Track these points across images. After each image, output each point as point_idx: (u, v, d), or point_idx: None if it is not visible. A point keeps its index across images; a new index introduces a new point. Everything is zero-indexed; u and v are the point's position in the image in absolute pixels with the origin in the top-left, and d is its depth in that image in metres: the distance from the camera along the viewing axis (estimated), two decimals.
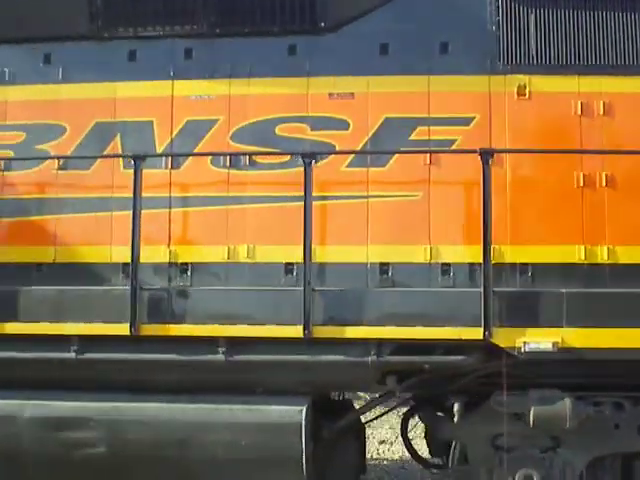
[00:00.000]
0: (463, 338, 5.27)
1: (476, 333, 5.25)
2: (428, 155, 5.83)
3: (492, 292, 5.26)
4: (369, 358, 5.35)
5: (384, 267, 5.74)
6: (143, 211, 5.93)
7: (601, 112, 5.79)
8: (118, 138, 6.17)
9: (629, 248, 5.59)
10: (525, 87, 5.89)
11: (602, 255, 5.60)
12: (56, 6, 6.27)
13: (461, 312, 5.33)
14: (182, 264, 5.95)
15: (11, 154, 6.23)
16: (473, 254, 5.64)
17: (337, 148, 5.94)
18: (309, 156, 5.59)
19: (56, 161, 6.15)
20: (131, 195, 5.93)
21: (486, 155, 5.40)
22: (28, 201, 6.18)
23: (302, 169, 5.81)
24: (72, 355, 5.56)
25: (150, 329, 5.52)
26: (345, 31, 6.06)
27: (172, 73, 6.18)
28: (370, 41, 6.04)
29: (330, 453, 5.63)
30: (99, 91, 6.24)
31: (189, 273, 5.93)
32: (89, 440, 5.49)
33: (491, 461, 5.55)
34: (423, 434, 6.95)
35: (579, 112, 5.81)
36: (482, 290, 5.27)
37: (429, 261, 5.73)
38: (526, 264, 5.61)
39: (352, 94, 6.03)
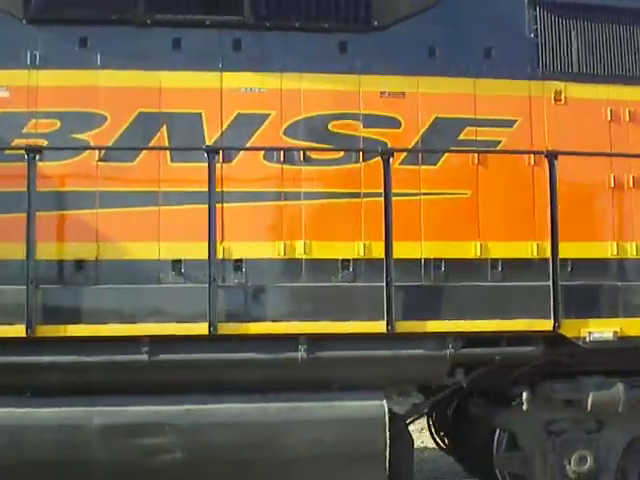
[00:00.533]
0: (535, 330, 5.62)
1: (546, 325, 5.63)
2: (476, 155, 6.12)
3: (560, 286, 5.64)
4: (447, 351, 5.57)
5: (437, 262, 5.97)
6: (195, 206, 5.82)
7: (627, 119, 6.35)
8: (164, 129, 5.93)
9: None
10: (561, 93, 6.31)
11: (631, 251, 6.16)
12: None
13: (531, 305, 5.68)
14: (236, 260, 5.87)
15: (44, 143, 5.82)
16: (522, 250, 6.02)
17: (389, 146, 6.07)
18: (387, 153, 5.67)
19: (96, 152, 5.83)
20: (182, 189, 5.82)
21: (551, 157, 5.75)
22: (65, 194, 5.82)
23: (355, 166, 5.97)
24: (144, 357, 5.34)
25: (228, 328, 5.41)
26: (395, 31, 6.17)
27: (221, 64, 6.03)
28: (419, 42, 6.21)
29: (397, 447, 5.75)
30: (142, 80, 5.95)
31: (244, 269, 5.85)
32: (165, 446, 5.30)
33: (544, 446, 5.96)
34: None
35: (609, 118, 6.32)
36: (551, 284, 5.64)
37: (479, 257, 6.03)
38: (566, 259, 6.05)
39: (403, 93, 6.17)
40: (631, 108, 6.33)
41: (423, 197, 6.04)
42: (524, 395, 5.77)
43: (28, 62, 5.87)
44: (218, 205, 5.85)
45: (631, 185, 6.24)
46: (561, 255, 5.98)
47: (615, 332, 5.66)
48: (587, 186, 6.20)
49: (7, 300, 5.31)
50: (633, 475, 6.11)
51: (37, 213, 5.66)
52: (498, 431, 6.10)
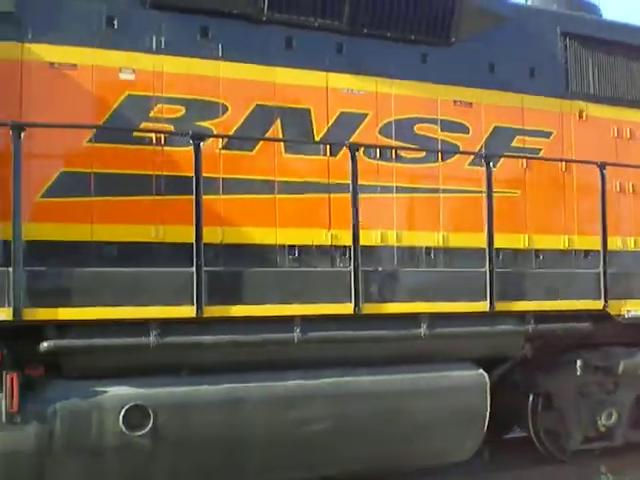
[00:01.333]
0: (591, 309, 6.79)
1: (598, 305, 6.82)
2: (525, 160, 7.16)
3: (606, 273, 6.86)
4: (529, 327, 6.57)
5: (498, 252, 6.92)
6: (302, 195, 6.29)
7: (628, 136, 7.73)
8: (278, 122, 6.30)
9: None
10: (583, 111, 7.54)
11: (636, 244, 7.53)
12: None
13: (586, 289, 6.83)
14: (343, 247, 6.40)
15: (171, 128, 5.95)
16: (559, 242, 7.18)
17: (461, 149, 6.93)
18: (489, 157, 6.50)
19: (220, 140, 6.07)
20: (295, 179, 6.26)
21: (602, 167, 6.94)
22: (189, 179, 5.98)
23: (434, 165, 6.77)
24: (296, 335, 5.75)
25: (369, 308, 5.97)
26: (466, 47, 7.00)
27: (327, 65, 6.50)
28: (482, 58, 7.11)
29: None
30: (259, 73, 6.27)
31: (346, 255, 6.41)
32: (314, 416, 5.77)
33: (577, 405, 7.16)
34: None
35: (615, 135, 7.66)
36: (601, 271, 6.84)
37: (526, 247, 7.08)
38: (588, 250, 7.30)
39: (471, 104, 7.04)
40: (632, 127, 7.73)
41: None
42: (578, 363, 6.93)
43: (154, 47, 5.97)
44: (327, 195, 6.38)
45: (631, 191, 7.63)
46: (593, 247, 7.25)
47: None
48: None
49: (178, 282, 5.46)
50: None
51: (165, 197, 5.87)
52: (532, 395, 7.19)
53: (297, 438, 5.72)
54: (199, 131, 5.80)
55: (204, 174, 5.85)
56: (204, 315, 5.43)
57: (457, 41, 6.97)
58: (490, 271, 6.40)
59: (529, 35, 7.37)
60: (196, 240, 5.54)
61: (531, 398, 7.20)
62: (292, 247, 6.23)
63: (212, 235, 5.90)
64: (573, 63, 7.55)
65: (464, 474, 6.89)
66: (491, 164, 6.60)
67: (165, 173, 5.90)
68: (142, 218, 5.82)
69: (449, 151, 6.84)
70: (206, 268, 5.53)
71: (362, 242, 6.34)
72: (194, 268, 5.46)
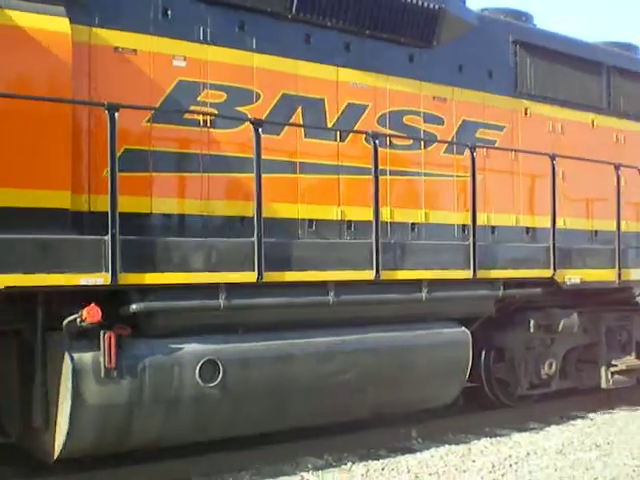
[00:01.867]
0: (543, 277, 8.12)
1: (547, 273, 8.17)
2: (485, 149, 8.34)
3: (555, 247, 8.22)
4: (499, 292, 7.80)
5: (463, 227, 8.10)
6: (318, 176, 7.14)
7: (560, 130, 9.13)
8: (299, 110, 7.09)
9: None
10: (528, 109, 8.86)
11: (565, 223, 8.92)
12: None
13: (541, 258, 8.16)
14: (348, 221, 7.33)
15: (215, 112, 6.59)
16: (513, 220, 8.50)
17: (438, 138, 8.01)
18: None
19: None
20: (312, 161, 7.10)
21: (552, 158, 8.25)
22: (230, 159, 6.66)
23: (418, 152, 7.82)
24: (331, 298, 6.61)
25: (387, 274, 6.92)
26: (441, 50, 8.07)
27: (337, 61, 7.35)
28: (454, 60, 8.23)
29: None
30: (285, 65, 7.04)
31: (352, 229, 7.34)
32: (342, 368, 6.67)
33: (524, 358, 8.52)
34: None
35: (551, 129, 9.04)
36: (551, 245, 8.18)
37: (485, 224, 8.29)
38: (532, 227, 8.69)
39: (445, 99, 8.13)
40: (563, 124, 9.15)
41: (456, 179, 8.13)
42: (531, 322, 8.27)
43: (201, 37, 6.57)
44: (337, 176, 7.26)
45: (561, 176, 8.98)
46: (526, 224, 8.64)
47: (581, 279, 8.45)
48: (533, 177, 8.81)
49: (242, 251, 6.16)
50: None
51: (211, 175, 6.54)
52: (486, 350, 8.47)
53: (332, 386, 6.64)
54: (258, 118, 6.50)
55: (242, 155, 6.61)
56: (263, 280, 6.19)
57: (437, 45, 8.03)
58: (473, 244, 7.54)
59: (488, 41, 8.58)
60: (257, 214, 6.24)
61: (484, 353, 8.50)
62: (311, 221, 7.09)
63: (248, 210, 6.64)
64: (520, 67, 8.85)
65: (433, 417, 8.18)
66: (474, 153, 7.73)
67: (210, 152, 6.56)
68: (191, 193, 6.45)
69: (445, 141, 8.01)
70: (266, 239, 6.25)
71: (360, 217, 7.33)
72: (255, 239, 6.18)
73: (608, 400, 9.66)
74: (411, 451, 7.39)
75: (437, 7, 7.85)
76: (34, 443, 5.83)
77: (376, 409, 7.22)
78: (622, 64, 10.02)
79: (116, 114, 5.59)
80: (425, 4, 7.76)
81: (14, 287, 5.17)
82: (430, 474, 6.63)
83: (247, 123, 6.62)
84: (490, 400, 8.72)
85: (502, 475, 6.66)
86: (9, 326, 5.66)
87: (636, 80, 10.15)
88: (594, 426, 8.74)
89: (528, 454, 7.35)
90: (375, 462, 6.94)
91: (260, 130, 6.30)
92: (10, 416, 5.90)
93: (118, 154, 5.90)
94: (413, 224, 7.77)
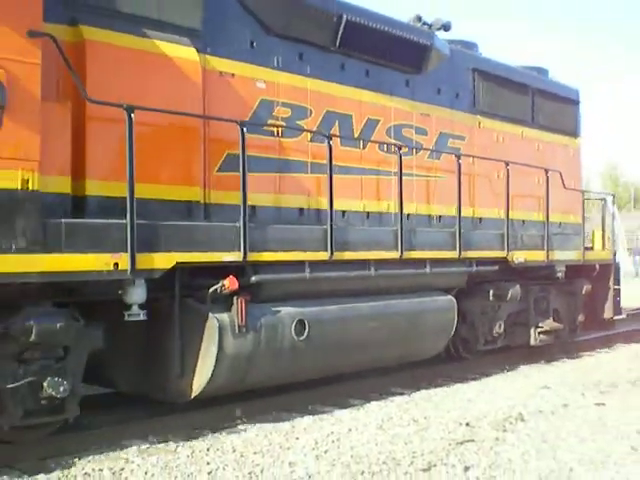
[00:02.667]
0: (501, 257, 10.43)
1: (503, 254, 10.52)
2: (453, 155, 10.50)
3: (509, 234, 10.56)
4: (473, 268, 10.08)
5: (439, 217, 10.27)
6: (346, 176, 9.04)
7: (502, 141, 11.52)
8: (337, 124, 8.98)
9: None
10: (481, 123, 11.16)
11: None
12: (312, 20, 8.61)
13: (498, 242, 10.49)
14: (368, 212, 9.30)
15: (283, 125, 8.34)
16: (470, 212, 10.74)
17: (424, 146, 10.11)
18: (458, 157, 9.79)
19: (309, 134, 8.55)
20: (344, 164, 8.99)
21: (506, 164, 10.55)
22: (293, 162, 8.46)
23: (411, 157, 9.88)
24: (372, 272, 8.63)
25: (406, 254, 8.98)
26: (427, 76, 10.23)
27: (361, 84, 9.32)
28: (434, 84, 10.42)
29: None
30: (327, 88, 8.91)
31: (369, 218, 9.33)
32: (379, 326, 8.70)
33: (482, 320, 10.85)
34: None
35: (495, 140, 11.40)
36: (505, 232, 10.49)
37: (452, 215, 10.43)
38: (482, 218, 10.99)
39: (428, 115, 10.25)
40: (504, 136, 11.56)
41: (437, 179, 10.30)
42: (491, 292, 10.62)
43: (274, 64, 8.33)
44: (360, 176, 9.20)
45: (499, 177, 11.34)
46: (481, 216, 10.95)
47: (525, 258, 10.87)
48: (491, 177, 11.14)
49: (315, 235, 8.05)
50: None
51: (281, 174, 8.30)
52: None
53: (373, 340, 8.69)
54: (331, 132, 8.52)
55: (300, 158, 8.44)
56: (334, 259, 8.07)
57: (424, 72, 10.19)
58: (459, 232, 9.79)
59: (456, 69, 10.83)
60: (330, 207, 8.12)
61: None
62: (343, 212, 8.97)
63: (304, 202, 8.52)
64: (477, 90, 11.19)
65: (257, 396, 8.59)
66: (460, 160, 9.99)
67: (281, 157, 8.32)
68: (267, 189, 8.19)
69: (449, 152, 10.36)
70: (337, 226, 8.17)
71: (375, 209, 9.35)
72: (328, 227, 8.05)
73: (423, 377, 10.31)
74: (236, 431, 7.51)
75: (427, 43, 10.04)
76: (165, 388, 7.34)
77: (397, 359, 9.42)
78: (541, 86, 12.64)
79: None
80: (419, 40, 9.94)
81: (182, 263, 6.74)
82: (255, 452, 6.73)
83: (304, 133, 8.49)
84: (452, 354, 10.99)
85: (325, 452, 6.83)
86: (153, 294, 6.92)
87: (548, 99, 12.77)
88: (412, 402, 8.99)
89: (350, 430, 7.55)
90: (200, 442, 7.02)
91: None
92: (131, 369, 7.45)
93: (223, 157, 7.59)
94: (409, 214, 9.78)
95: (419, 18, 10.69)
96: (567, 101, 13.42)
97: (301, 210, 8.50)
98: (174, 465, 6.33)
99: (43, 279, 5.86)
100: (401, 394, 9.52)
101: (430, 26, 10.68)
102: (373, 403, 8.93)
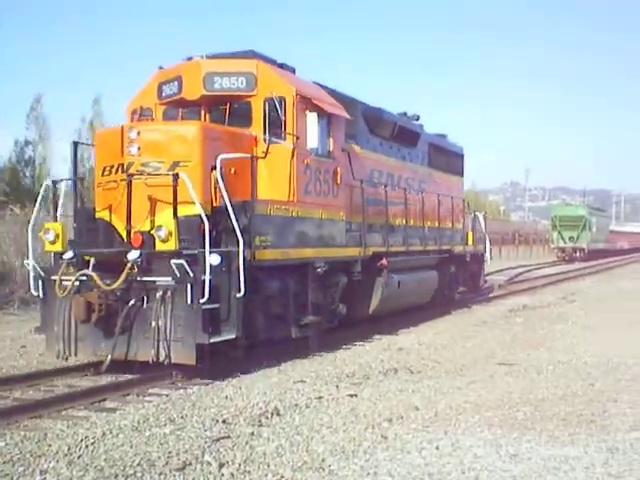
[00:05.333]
0: (449, 248, 19.63)
1: (449, 247, 19.72)
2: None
3: (453, 236, 20.14)
4: (446, 255, 18.98)
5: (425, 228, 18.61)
6: (393, 207, 16.48)
7: (437, 182, 19.97)
8: (389, 178, 16.48)
9: None
10: (432, 174, 19.40)
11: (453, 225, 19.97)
12: (386, 126, 16.52)
13: (451, 241, 19.82)
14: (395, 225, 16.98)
15: (376, 181, 15.75)
16: (428, 224, 19.02)
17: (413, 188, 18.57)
18: (438, 195, 19.50)
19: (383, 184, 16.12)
20: (394, 199, 16.67)
21: (438, 197, 20.56)
22: (390, 201, 15.71)
23: (416, 195, 17.82)
24: (414, 257, 17.07)
25: (424, 246, 17.84)
26: (416, 149, 18.35)
27: (396, 156, 17.09)
28: (418, 153, 18.52)
29: None
30: (388, 160, 16.52)
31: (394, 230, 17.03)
32: (416, 285, 16.94)
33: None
34: None
35: (435, 182, 19.60)
36: (448, 235, 20.12)
37: (427, 226, 18.52)
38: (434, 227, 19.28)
39: (416, 171, 18.35)
40: (438, 179, 20.10)
41: None
42: (452, 268, 19.61)
43: (373, 149, 15.81)
44: (393, 207, 16.88)
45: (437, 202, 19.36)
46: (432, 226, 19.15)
47: (457, 250, 20.61)
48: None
49: (398, 238, 16.79)
50: None
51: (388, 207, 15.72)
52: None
53: (411, 292, 16.72)
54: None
55: (395, 199, 15.81)
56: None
57: (415, 147, 18.26)
58: (440, 235, 18.67)
59: (423, 143, 18.83)
60: (405, 223, 16.85)
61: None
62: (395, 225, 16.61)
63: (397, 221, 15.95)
64: (430, 155, 19.24)
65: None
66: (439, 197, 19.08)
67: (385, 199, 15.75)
68: (380, 216, 15.37)
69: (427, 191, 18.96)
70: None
71: (398, 224, 16.97)
72: (403, 233, 16.62)
73: (183, 377, 10.46)
74: None
75: (419, 131, 18.58)
76: (362, 310, 14.77)
77: (417, 303, 17.57)
78: (449, 147, 21.34)
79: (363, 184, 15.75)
80: (416, 130, 18.36)
81: (374, 252, 14.63)
82: (4, 462, 6.67)
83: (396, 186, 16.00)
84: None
85: (78, 457, 6.77)
86: (355, 268, 14.11)
87: (451, 155, 21.28)
88: (169, 402, 8.97)
89: (104, 434, 7.49)
90: None
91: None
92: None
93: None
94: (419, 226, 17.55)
95: (405, 113, 18.56)
96: (458, 155, 22.00)
97: (391, 226, 16.17)
98: None
99: (343, 259, 13.58)
100: (159, 395, 9.67)
101: (406, 115, 18.55)
102: (130, 405, 9.02)
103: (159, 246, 9.93)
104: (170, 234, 9.85)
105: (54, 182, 11.98)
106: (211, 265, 9.81)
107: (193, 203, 9.92)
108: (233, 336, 10.20)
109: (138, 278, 9.99)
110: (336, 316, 13.50)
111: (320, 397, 9.06)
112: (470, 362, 11.83)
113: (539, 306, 21.12)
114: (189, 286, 9.68)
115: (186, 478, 6.23)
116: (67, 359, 10.70)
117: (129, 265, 9.87)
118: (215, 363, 10.37)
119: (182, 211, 10.11)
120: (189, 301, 9.68)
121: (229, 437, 7.32)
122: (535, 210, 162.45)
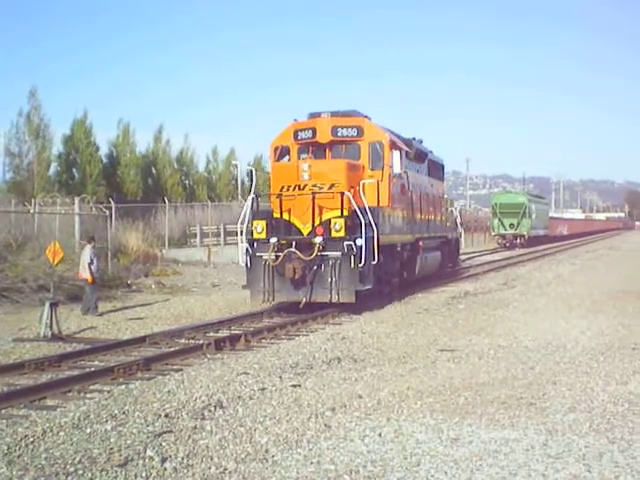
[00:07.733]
0: (445, 235, 27.67)
1: (446, 234, 27.34)
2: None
3: (446, 227, 27.83)
4: (443, 239, 26.31)
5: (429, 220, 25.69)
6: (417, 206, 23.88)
7: (432, 187, 26.94)
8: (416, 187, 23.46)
9: None
10: (429, 181, 26.23)
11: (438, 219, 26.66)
12: (412, 150, 23.15)
13: (442, 230, 27.67)
14: (417, 219, 24.20)
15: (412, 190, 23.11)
16: (432, 217, 26.26)
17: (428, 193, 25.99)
18: (452, 201, 27.45)
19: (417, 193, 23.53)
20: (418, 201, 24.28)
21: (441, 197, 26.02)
22: (418, 202, 22.49)
23: (428, 197, 24.82)
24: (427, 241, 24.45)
25: (434, 235, 25.28)
26: (424, 164, 25.13)
27: (415, 170, 23.73)
28: (427, 168, 25.42)
29: None
30: (413, 174, 22.93)
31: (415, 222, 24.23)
32: (431, 259, 24.65)
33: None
34: None
35: (432, 187, 26.40)
36: (459, 226, 27.31)
37: (428, 219, 25.54)
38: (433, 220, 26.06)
39: (430, 182, 25.33)
40: (433, 184, 27.05)
41: None
42: (445, 249, 26.46)
43: (409, 169, 22.47)
44: (418, 205, 23.86)
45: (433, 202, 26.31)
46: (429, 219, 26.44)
47: (448, 236, 28.00)
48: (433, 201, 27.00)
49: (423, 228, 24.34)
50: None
51: (415, 206, 22.75)
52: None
53: (430, 263, 24.08)
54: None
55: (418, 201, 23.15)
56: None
57: (424, 163, 25.05)
58: (441, 225, 25.99)
59: (424, 160, 25.29)
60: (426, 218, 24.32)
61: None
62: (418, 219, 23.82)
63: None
64: (429, 168, 25.79)
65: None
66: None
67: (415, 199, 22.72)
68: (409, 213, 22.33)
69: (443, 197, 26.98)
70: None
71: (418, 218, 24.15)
72: (420, 226, 23.89)
73: (123, 372, 10.55)
74: None
75: (428, 152, 25.55)
76: (408, 275, 21.74)
77: (430, 273, 24.44)
78: (438, 160, 27.69)
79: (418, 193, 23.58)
80: (426, 152, 25.19)
81: (416, 238, 22.11)
82: None
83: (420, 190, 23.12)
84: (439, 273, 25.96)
85: (18, 456, 6.68)
86: (408, 248, 21.49)
87: (438, 166, 27.53)
88: (111, 398, 8.86)
89: (44, 432, 7.42)
90: None
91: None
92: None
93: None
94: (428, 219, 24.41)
95: (414, 138, 24.09)
96: (441, 165, 28.48)
97: (420, 219, 22.74)
98: None
99: (407, 242, 21.00)
100: (100, 391, 9.57)
101: (415, 139, 24.09)
102: (70, 402, 8.86)
103: (334, 234, 16.95)
104: (341, 227, 16.95)
105: (257, 195, 18.96)
106: (360, 245, 16.80)
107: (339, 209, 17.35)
108: (370, 286, 17.40)
109: (320, 253, 16.83)
110: (402, 278, 20.84)
111: (263, 388, 9.12)
112: (413, 349, 12.02)
113: (481, 292, 22.32)
114: (352, 257, 16.75)
115: (128, 474, 6.22)
116: (270, 302, 17.60)
117: (317, 245, 16.71)
118: (360, 302, 17.34)
119: (330, 214, 17.26)
120: (352, 265, 16.75)
121: (172, 431, 7.32)
122: (476, 198, 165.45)
